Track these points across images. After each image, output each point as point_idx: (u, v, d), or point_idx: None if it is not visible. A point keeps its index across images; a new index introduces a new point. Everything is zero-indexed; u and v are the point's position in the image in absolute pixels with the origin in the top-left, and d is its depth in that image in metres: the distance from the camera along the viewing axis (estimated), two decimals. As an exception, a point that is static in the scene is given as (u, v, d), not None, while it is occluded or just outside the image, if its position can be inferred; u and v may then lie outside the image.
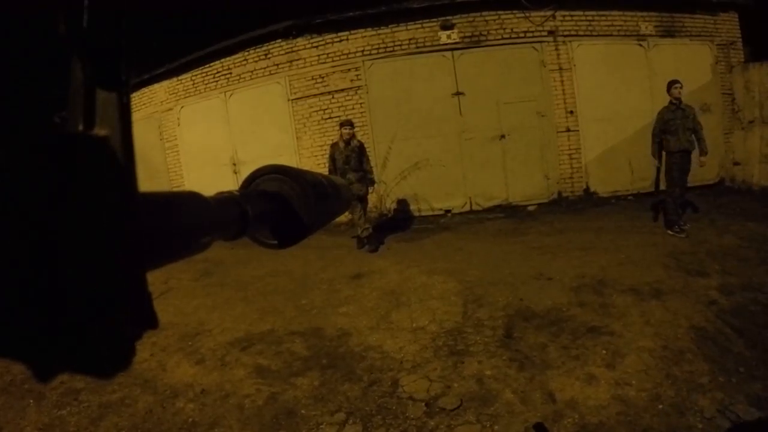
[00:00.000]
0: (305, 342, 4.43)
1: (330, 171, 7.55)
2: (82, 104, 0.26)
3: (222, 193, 0.46)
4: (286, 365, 4.05)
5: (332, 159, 7.59)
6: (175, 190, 0.37)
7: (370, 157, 7.81)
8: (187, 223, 0.37)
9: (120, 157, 0.27)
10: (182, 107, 11.19)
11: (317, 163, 9.77)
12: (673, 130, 6.56)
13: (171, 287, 6.30)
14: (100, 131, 0.26)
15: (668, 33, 10.07)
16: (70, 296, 0.23)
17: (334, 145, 7.64)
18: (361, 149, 7.52)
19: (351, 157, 7.38)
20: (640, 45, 9.99)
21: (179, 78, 11.14)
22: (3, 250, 0.21)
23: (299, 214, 0.56)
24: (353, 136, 7.53)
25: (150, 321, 0.28)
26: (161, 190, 0.35)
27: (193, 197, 0.38)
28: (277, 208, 0.55)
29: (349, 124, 7.56)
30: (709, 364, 3.39)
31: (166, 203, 0.35)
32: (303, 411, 3.37)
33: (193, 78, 11.02)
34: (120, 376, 0.25)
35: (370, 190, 7.57)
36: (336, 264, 6.78)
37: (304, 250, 7.32)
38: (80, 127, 0.26)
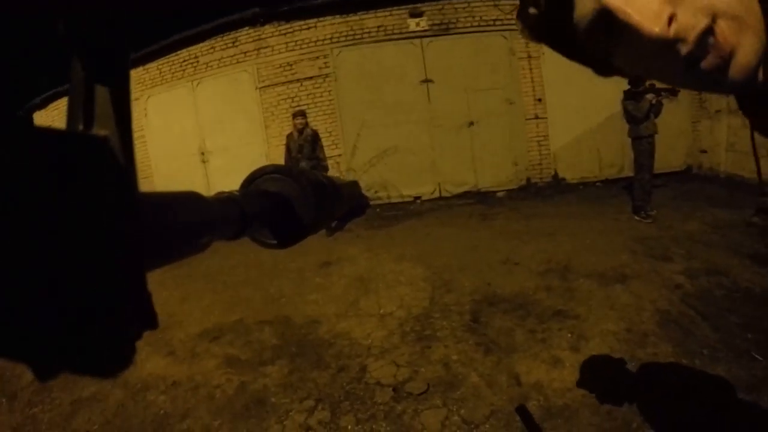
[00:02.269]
0: (274, 331, 4.43)
1: (285, 161, 7.74)
2: (82, 103, 0.27)
3: (222, 193, 0.46)
4: (256, 354, 4.05)
5: (287, 149, 7.81)
6: (175, 190, 0.36)
7: (338, 145, 7.90)
8: (186, 223, 0.36)
9: (120, 157, 0.27)
10: (149, 97, 11.00)
11: (286, 152, 9.74)
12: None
13: (149, 276, 6.21)
14: (100, 131, 0.27)
15: (637, 21, 10.16)
16: (70, 296, 0.23)
17: (289, 136, 7.87)
18: (314, 137, 7.70)
19: (304, 146, 7.57)
20: (609, 33, 10.08)
21: (145, 67, 10.91)
22: (2, 250, 0.21)
23: (299, 214, 0.56)
24: (306, 125, 7.72)
25: (150, 321, 0.28)
26: (161, 191, 0.35)
27: (192, 197, 0.38)
28: (277, 208, 0.55)
29: (301, 114, 7.76)
30: (673, 346, 3.45)
31: (165, 203, 0.34)
32: (273, 399, 3.38)
33: (160, 67, 10.81)
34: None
35: None
36: (305, 253, 6.74)
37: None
38: (80, 127, 0.27)
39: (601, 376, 3.29)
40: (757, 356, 3.19)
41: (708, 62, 0.56)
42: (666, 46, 0.57)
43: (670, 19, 0.56)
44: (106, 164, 0.25)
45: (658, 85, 6.66)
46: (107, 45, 0.28)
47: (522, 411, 2.97)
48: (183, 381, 3.77)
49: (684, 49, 0.56)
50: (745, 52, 0.56)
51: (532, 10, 0.68)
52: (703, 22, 0.56)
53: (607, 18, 0.60)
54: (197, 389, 3.63)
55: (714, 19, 0.56)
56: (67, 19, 0.26)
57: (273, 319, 4.68)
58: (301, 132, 7.62)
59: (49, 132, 0.23)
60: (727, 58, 0.56)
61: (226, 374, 3.79)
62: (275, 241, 0.57)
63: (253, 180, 0.57)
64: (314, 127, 8.22)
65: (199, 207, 0.39)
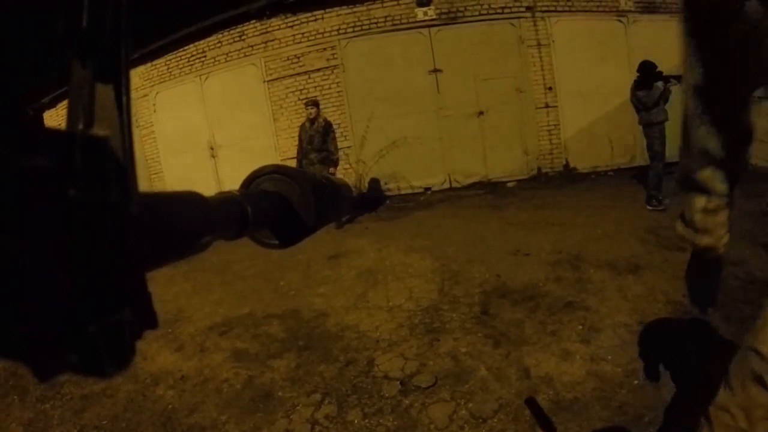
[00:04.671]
0: (282, 324, 4.43)
1: (297, 152, 7.62)
2: (81, 103, 0.26)
3: (222, 192, 0.46)
4: (264, 348, 4.05)
5: (300, 139, 7.67)
6: (175, 189, 0.37)
7: (347, 137, 7.83)
8: (187, 223, 0.36)
9: (120, 157, 0.27)
10: (158, 93, 11.00)
11: (295, 144, 9.64)
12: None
13: (151, 276, 6.21)
14: (99, 131, 0.26)
15: (648, 9, 10.01)
16: (69, 296, 0.22)
17: (301, 126, 7.73)
18: (326, 129, 7.55)
19: (314, 137, 7.45)
20: (620, 21, 9.95)
21: (153, 63, 10.92)
22: (2, 251, 0.20)
23: (299, 214, 0.57)
24: (318, 115, 7.57)
25: (150, 321, 0.29)
26: (161, 190, 0.35)
27: (192, 197, 0.38)
28: (278, 208, 0.55)
29: (313, 103, 7.61)
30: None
31: (166, 203, 0.35)
32: (280, 393, 3.38)
33: (168, 63, 10.82)
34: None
35: (332, 170, 7.53)
36: (313, 245, 6.72)
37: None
38: (80, 127, 0.26)
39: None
40: None
41: None
42: None
43: None
44: (106, 164, 0.25)
45: (666, 72, 6.60)
46: (107, 44, 0.27)
47: (531, 403, 2.94)
48: (191, 375, 3.78)
49: None
50: None
51: None
52: None
53: None
54: (205, 383, 3.64)
55: None
56: (67, 17, 0.26)
57: (281, 312, 4.68)
58: (312, 122, 7.52)
59: (49, 132, 0.23)
60: None
61: (234, 368, 3.80)
62: (276, 242, 0.57)
63: (253, 180, 0.57)
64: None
65: (199, 207, 0.39)
